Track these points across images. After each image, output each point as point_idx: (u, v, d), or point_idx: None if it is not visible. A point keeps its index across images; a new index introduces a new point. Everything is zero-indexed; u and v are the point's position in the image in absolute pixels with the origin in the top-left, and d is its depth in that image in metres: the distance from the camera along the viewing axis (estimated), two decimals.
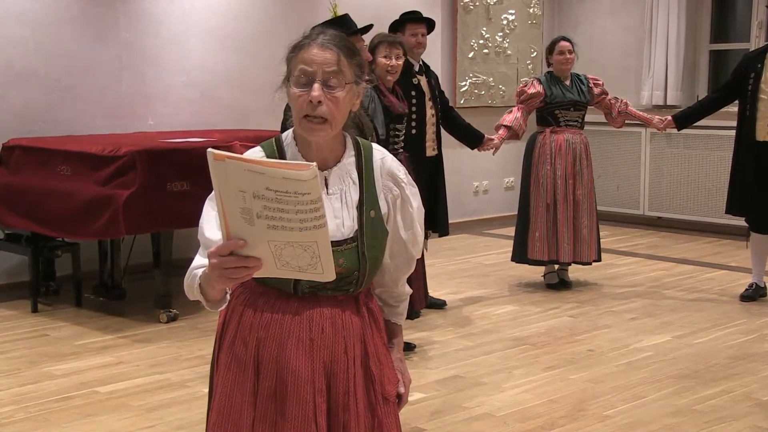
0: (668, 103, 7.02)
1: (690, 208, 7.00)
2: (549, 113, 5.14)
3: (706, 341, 4.23)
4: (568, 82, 5.15)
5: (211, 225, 1.60)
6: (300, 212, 1.37)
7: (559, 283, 5.25)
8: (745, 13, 7.02)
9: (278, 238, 1.40)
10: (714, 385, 3.62)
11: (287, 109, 3.47)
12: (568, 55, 5.08)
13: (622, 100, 5.32)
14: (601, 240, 5.33)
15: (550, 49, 5.18)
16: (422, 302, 4.54)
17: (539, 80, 5.17)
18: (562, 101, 5.10)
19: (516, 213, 5.39)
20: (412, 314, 4.23)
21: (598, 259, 5.25)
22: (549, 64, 5.25)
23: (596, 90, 5.23)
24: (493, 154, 5.17)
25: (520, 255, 5.22)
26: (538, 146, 5.14)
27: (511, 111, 5.18)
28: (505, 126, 5.09)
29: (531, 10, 7.55)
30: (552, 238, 5.08)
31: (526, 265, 5.33)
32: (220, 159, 1.37)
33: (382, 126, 3.87)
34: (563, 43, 5.12)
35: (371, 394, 1.71)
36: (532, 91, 5.10)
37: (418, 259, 4.73)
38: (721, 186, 6.60)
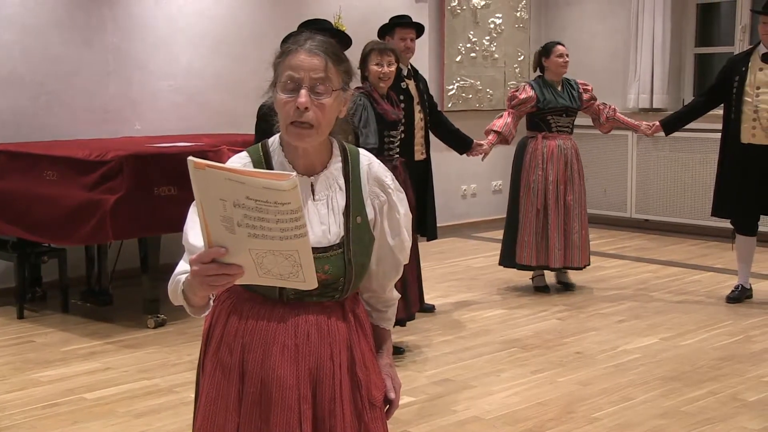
0: (654, 106, 7.07)
1: (676, 210, 7.04)
2: (541, 119, 5.12)
3: (693, 343, 4.25)
4: (559, 88, 5.14)
5: (195, 231, 1.59)
6: (280, 221, 1.37)
7: (562, 286, 5.25)
8: (729, 17, 7.08)
9: (259, 247, 1.40)
10: (701, 386, 3.64)
11: (263, 113, 3.47)
12: (567, 58, 5.07)
13: (610, 106, 5.33)
14: (590, 243, 5.34)
15: (546, 53, 5.12)
16: (417, 305, 4.52)
17: (531, 85, 5.13)
18: (555, 107, 5.08)
19: (503, 217, 5.39)
20: (409, 317, 4.20)
21: (588, 264, 5.24)
22: (537, 68, 5.22)
23: (585, 96, 5.22)
24: (483, 159, 5.17)
25: (508, 259, 5.21)
26: (529, 152, 5.11)
27: (501, 116, 5.17)
28: (494, 131, 5.08)
29: (518, 14, 7.58)
30: (542, 244, 5.07)
31: (515, 269, 5.33)
32: (200, 167, 1.37)
33: (374, 134, 3.86)
34: (560, 47, 5.09)
35: (358, 399, 1.70)
36: (523, 96, 5.08)
37: (413, 263, 4.65)
38: (707, 188, 6.64)
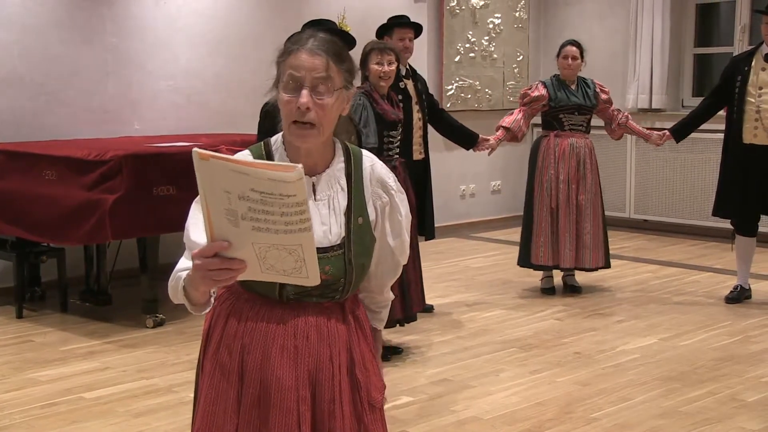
0: (653, 106, 7.07)
1: (675, 210, 7.05)
2: (553, 117, 5.10)
3: (691, 343, 4.25)
4: (573, 86, 5.11)
5: (197, 227, 1.58)
6: (285, 214, 1.35)
7: (568, 289, 5.21)
8: (728, 17, 7.08)
9: (263, 241, 1.39)
10: (700, 386, 3.65)
11: (267, 110, 3.47)
12: (571, 61, 5.05)
13: (623, 113, 5.29)
14: (608, 244, 5.19)
15: (558, 53, 5.13)
16: (419, 305, 4.51)
17: (544, 84, 5.12)
18: (566, 105, 5.05)
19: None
20: (409, 318, 4.20)
21: (607, 266, 5.15)
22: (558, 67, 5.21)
23: (603, 96, 5.18)
24: (489, 154, 5.14)
25: (524, 259, 5.18)
26: (542, 150, 5.09)
27: (512, 112, 5.16)
28: (503, 127, 5.06)
29: (517, 14, 7.58)
30: (555, 243, 5.04)
31: (515, 269, 5.33)
32: (205, 158, 1.35)
33: (374, 134, 3.86)
34: (568, 48, 5.08)
35: (357, 401, 1.70)
36: (535, 94, 5.07)
37: (415, 263, 4.61)
38: (706, 188, 6.65)
